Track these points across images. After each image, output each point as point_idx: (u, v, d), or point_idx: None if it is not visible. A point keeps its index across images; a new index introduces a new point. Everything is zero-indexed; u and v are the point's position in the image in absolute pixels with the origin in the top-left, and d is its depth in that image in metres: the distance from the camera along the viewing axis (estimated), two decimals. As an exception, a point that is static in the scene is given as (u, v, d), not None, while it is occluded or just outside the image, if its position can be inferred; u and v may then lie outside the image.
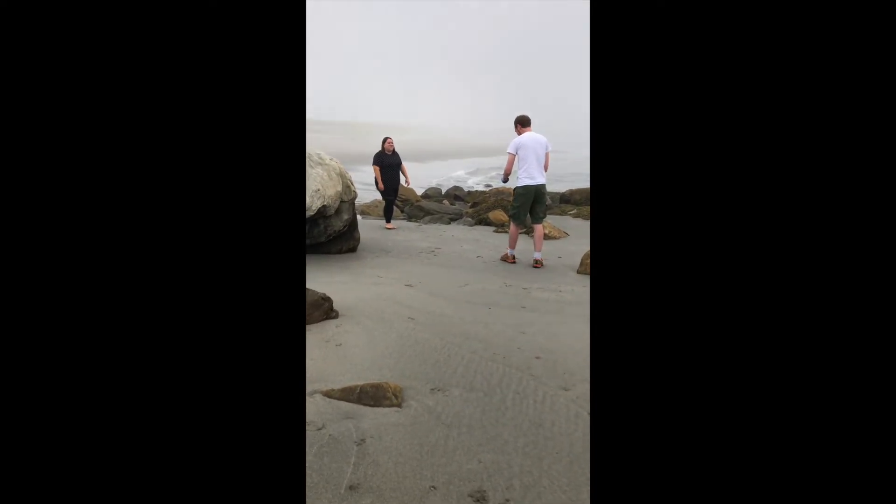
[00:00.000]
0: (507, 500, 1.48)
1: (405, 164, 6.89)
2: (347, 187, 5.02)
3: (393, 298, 3.44)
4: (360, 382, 2.11)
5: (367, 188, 7.40)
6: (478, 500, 1.47)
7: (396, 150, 6.78)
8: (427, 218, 8.56)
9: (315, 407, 1.95)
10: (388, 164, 6.61)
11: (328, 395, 2.05)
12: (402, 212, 9.20)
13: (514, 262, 4.89)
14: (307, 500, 1.45)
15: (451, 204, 10.85)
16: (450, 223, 8.14)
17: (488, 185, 15.93)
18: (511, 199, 7.38)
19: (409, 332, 2.77)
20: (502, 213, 7.82)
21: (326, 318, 2.90)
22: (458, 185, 15.21)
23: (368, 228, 6.62)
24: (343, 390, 2.06)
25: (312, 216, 4.59)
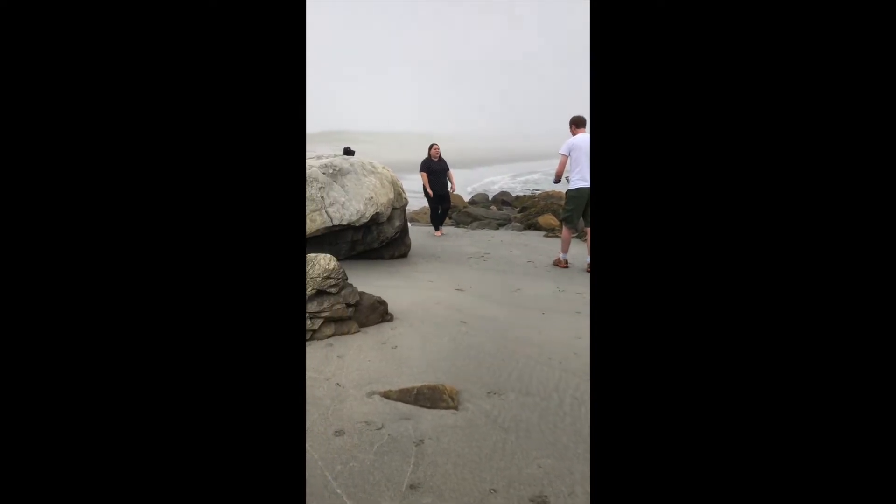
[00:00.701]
0: (570, 507, 1.44)
1: (451, 171, 6.94)
2: (399, 195, 5.13)
3: (445, 302, 3.47)
4: (417, 384, 2.14)
5: (415, 195, 7.52)
6: (539, 506, 1.45)
7: (443, 156, 6.86)
8: (475, 224, 8.56)
9: (374, 407, 2.00)
10: (434, 170, 6.68)
11: (386, 395, 2.09)
12: (449, 218, 9.27)
13: (566, 267, 4.79)
14: (370, 497, 1.49)
15: (499, 209, 10.80)
16: (498, 228, 8.10)
17: (537, 189, 15.73)
18: (561, 202, 7.23)
19: (462, 336, 2.78)
20: (552, 217, 7.69)
21: (382, 321, 2.97)
22: (505, 189, 15.13)
23: (418, 234, 6.71)
24: (400, 391, 2.10)
25: (366, 223, 4.72)
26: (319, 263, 2.78)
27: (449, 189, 6.96)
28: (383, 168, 5.17)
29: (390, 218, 4.99)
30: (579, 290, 3.92)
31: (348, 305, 2.81)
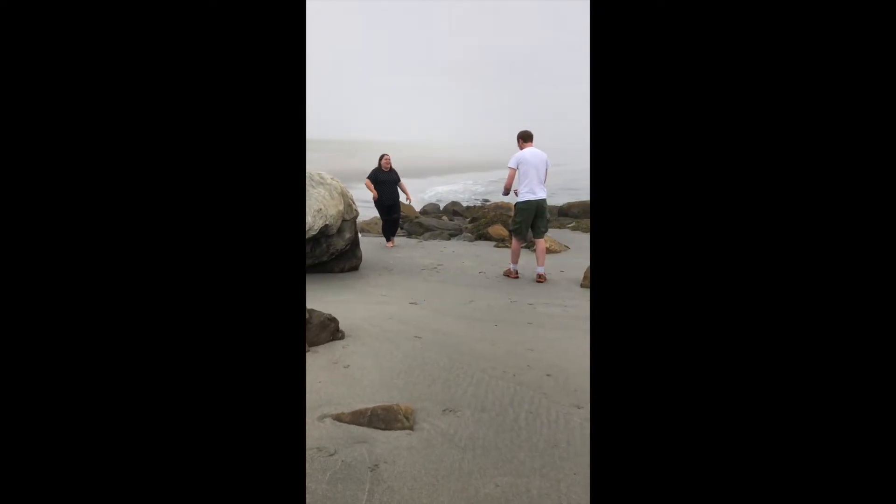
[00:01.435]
0: (528, 526, 1.44)
1: (404, 181, 6.91)
2: (349, 206, 5.03)
3: (398, 317, 3.42)
4: (371, 405, 2.08)
5: (366, 205, 7.42)
6: (497, 526, 1.44)
7: (393, 166, 6.82)
8: (427, 234, 8.56)
9: (326, 431, 1.92)
10: (383, 180, 6.62)
11: (338, 418, 2.02)
12: (401, 228, 9.21)
13: (517, 278, 4.88)
14: (323, 530, 1.42)
15: (450, 219, 10.87)
16: (450, 239, 8.13)
17: (486, 200, 16.00)
18: (511, 213, 7.39)
19: (416, 352, 2.74)
20: (502, 227, 7.83)
21: (333, 339, 2.87)
22: (455, 200, 15.27)
23: (370, 246, 6.61)
24: (353, 413, 2.03)
25: (315, 236, 4.58)
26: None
27: (404, 199, 6.92)
28: (332, 179, 5.05)
29: (340, 230, 4.88)
30: (530, 301, 4.00)
31: (297, 324, 2.70)
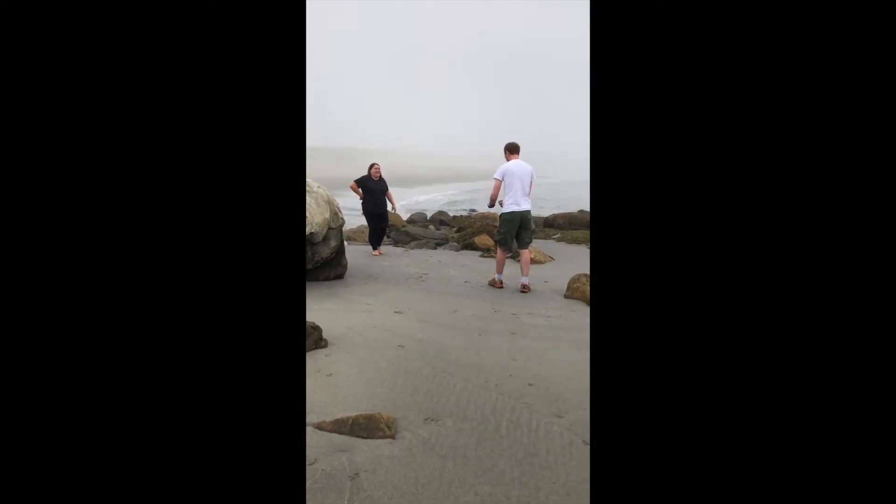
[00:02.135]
0: (506, 534, 1.46)
1: (391, 191, 6.95)
2: (335, 214, 5.03)
3: (382, 326, 3.42)
4: (353, 414, 2.08)
5: (352, 213, 7.42)
6: (476, 535, 1.45)
7: (382, 175, 6.85)
8: (413, 243, 8.58)
9: (307, 440, 1.91)
10: (372, 189, 6.64)
11: (320, 427, 2.01)
12: (388, 237, 9.22)
13: (501, 287, 4.92)
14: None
15: (437, 229, 10.90)
16: (436, 248, 8.16)
17: (472, 210, 16.08)
18: (496, 223, 7.46)
19: (399, 361, 2.74)
20: (488, 237, 7.89)
21: (316, 348, 2.86)
22: (442, 209, 15.33)
23: (355, 254, 6.59)
24: (335, 422, 2.03)
25: (300, 243, 4.57)
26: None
27: (388, 208, 6.95)
28: (318, 187, 5.05)
29: (326, 238, 4.87)
30: (514, 311, 4.03)
31: (280, 332, 2.68)
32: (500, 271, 4.98)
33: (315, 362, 2.67)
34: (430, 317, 3.76)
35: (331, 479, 1.67)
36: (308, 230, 4.51)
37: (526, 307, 4.18)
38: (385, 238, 7.81)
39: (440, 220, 12.44)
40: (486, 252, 7.36)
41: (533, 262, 6.15)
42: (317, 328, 2.91)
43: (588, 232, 9.06)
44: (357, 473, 1.71)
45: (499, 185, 4.76)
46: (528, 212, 4.79)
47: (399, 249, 7.83)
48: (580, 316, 3.93)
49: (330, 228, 4.90)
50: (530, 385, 2.49)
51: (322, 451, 1.84)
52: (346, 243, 6.06)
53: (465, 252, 7.64)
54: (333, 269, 5.13)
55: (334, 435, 1.96)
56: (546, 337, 3.37)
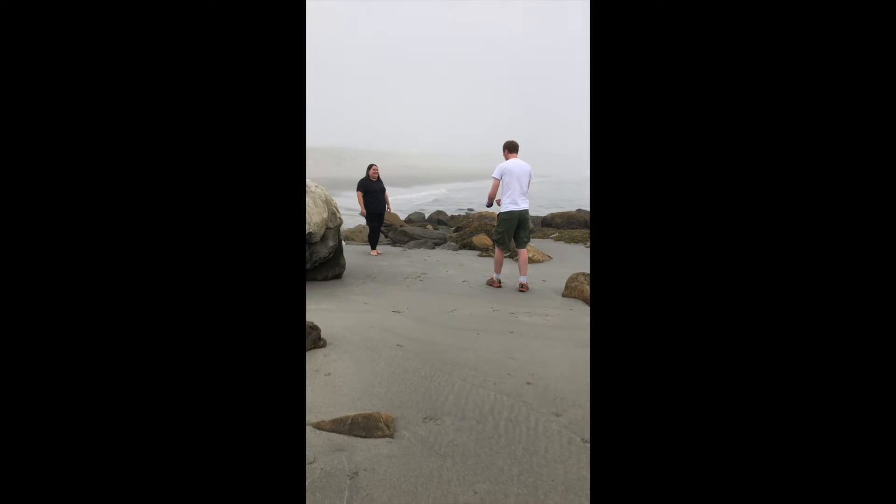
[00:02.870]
0: (505, 532, 1.46)
1: (387, 192, 6.99)
2: (333, 214, 5.03)
3: (381, 325, 3.42)
4: (351, 413, 2.08)
5: (350, 213, 7.42)
6: (475, 533, 1.45)
7: (381, 176, 6.88)
8: (411, 243, 8.58)
9: (306, 440, 1.91)
10: (372, 189, 6.68)
11: (318, 426, 2.01)
12: (386, 237, 9.22)
13: (499, 287, 4.92)
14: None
15: (435, 228, 10.91)
16: (434, 248, 8.17)
17: (470, 209, 16.09)
18: (494, 223, 7.47)
19: (398, 360, 2.75)
20: (486, 237, 7.89)
21: (314, 347, 2.86)
22: (440, 209, 15.34)
23: (353, 254, 6.59)
24: (334, 422, 2.03)
25: (298, 243, 4.56)
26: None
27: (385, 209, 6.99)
28: (316, 186, 5.05)
29: (324, 238, 4.87)
30: (512, 310, 4.04)
31: (278, 332, 2.68)
32: (498, 271, 4.99)
33: (314, 362, 2.67)
34: (429, 316, 3.76)
35: (330, 478, 1.67)
36: (306, 230, 4.51)
37: (524, 306, 4.19)
38: (382, 237, 7.82)
39: (438, 219, 12.44)
40: (484, 251, 7.37)
41: (531, 261, 6.16)
42: (315, 328, 2.91)
43: (586, 231, 9.07)
44: (356, 472, 1.71)
45: (497, 184, 4.77)
46: (526, 211, 4.80)
47: (397, 249, 7.84)
48: (578, 315, 3.93)
49: (328, 228, 4.90)
50: (528, 384, 2.49)
51: (321, 451, 1.84)
52: (343, 243, 6.05)
53: (463, 251, 7.64)
54: (331, 268, 5.13)
55: (333, 434, 1.96)
56: (544, 336, 3.38)
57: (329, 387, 2.39)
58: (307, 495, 1.58)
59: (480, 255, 7.15)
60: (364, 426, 1.99)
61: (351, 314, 3.73)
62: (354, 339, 3.06)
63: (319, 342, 2.92)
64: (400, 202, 17.16)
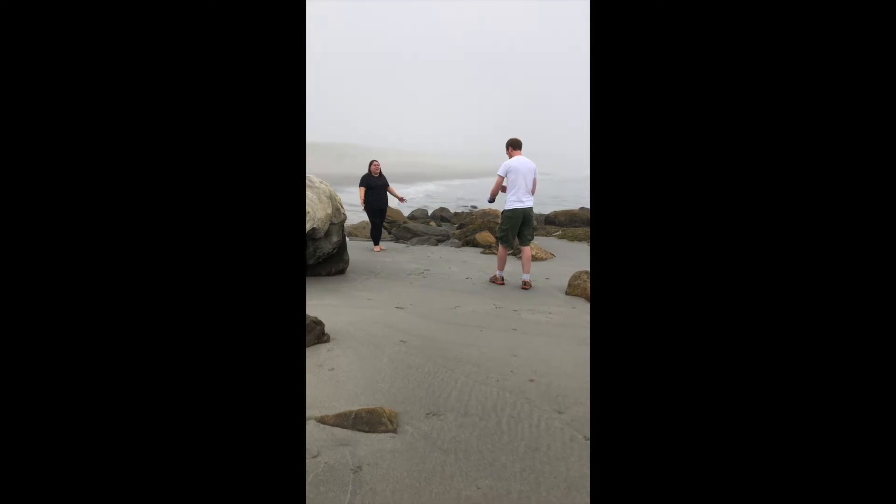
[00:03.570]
0: (507, 527, 1.47)
1: (392, 185, 6.99)
2: (337, 210, 5.04)
3: (384, 321, 3.43)
4: (355, 408, 2.10)
5: (354, 209, 7.44)
6: (478, 528, 1.46)
7: (383, 172, 6.89)
8: (415, 239, 8.58)
9: (309, 434, 1.92)
10: (374, 185, 6.69)
11: (322, 421, 2.03)
12: (389, 233, 9.23)
13: (502, 284, 4.92)
14: (305, 531, 1.42)
15: (438, 225, 10.91)
16: (437, 244, 8.17)
17: (474, 206, 16.08)
18: (498, 220, 7.46)
19: (401, 356, 2.76)
20: (489, 234, 7.89)
21: (318, 342, 2.88)
22: (444, 206, 15.33)
23: (357, 250, 6.61)
24: (337, 416, 2.04)
25: (302, 238, 4.57)
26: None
27: (397, 202, 7.01)
28: (321, 182, 5.06)
29: (328, 233, 4.88)
30: (515, 308, 4.05)
31: (282, 326, 2.69)
32: (501, 268, 4.99)
33: (317, 357, 2.69)
34: (432, 313, 3.77)
35: (334, 473, 1.68)
36: (310, 226, 4.52)
37: (527, 304, 4.19)
38: (385, 233, 7.83)
39: (441, 216, 12.44)
40: (487, 248, 7.36)
41: (534, 258, 6.16)
42: (319, 323, 2.92)
43: (589, 229, 9.06)
44: (360, 467, 1.72)
45: (500, 181, 4.76)
46: (531, 209, 4.79)
47: (400, 245, 7.84)
48: (581, 313, 3.94)
49: (332, 224, 4.91)
50: (531, 381, 2.50)
51: (325, 445, 1.85)
52: (347, 239, 6.07)
53: (466, 248, 7.64)
54: (335, 264, 5.14)
55: (337, 429, 1.97)
56: (547, 333, 3.38)
57: (333, 382, 2.40)
58: (311, 489, 1.59)
59: (483, 253, 7.15)
60: (367, 421, 2.00)
61: (354, 310, 3.74)
62: (358, 335, 3.07)
63: (323, 337, 2.93)
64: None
